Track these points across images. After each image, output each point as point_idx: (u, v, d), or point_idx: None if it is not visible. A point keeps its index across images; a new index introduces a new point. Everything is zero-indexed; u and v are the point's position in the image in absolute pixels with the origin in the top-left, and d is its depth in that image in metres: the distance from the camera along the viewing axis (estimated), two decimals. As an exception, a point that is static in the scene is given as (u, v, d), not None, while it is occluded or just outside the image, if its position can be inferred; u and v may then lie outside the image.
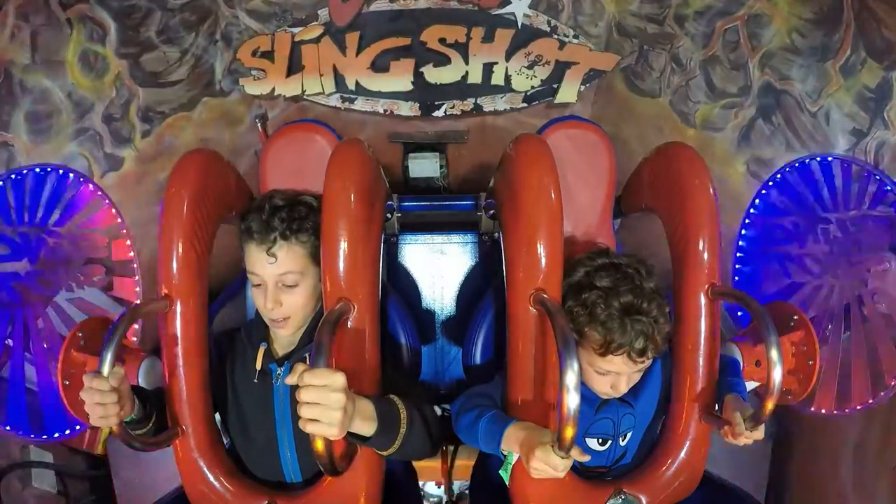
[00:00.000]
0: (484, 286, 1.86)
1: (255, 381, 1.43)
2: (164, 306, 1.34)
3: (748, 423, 1.24)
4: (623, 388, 1.32)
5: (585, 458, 1.09)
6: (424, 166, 2.32)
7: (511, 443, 1.19)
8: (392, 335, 1.63)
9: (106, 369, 1.14)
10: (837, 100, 2.03)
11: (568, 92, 2.20)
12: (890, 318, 1.78)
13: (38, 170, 1.87)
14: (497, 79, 2.20)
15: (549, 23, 2.16)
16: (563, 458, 1.06)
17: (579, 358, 1.32)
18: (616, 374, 1.30)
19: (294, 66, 2.17)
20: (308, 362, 1.05)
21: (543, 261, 1.25)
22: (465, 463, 2.15)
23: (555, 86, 2.20)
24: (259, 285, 1.37)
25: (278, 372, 1.42)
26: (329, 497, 1.38)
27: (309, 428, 0.99)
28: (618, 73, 2.22)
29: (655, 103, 2.21)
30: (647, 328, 1.24)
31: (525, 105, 2.23)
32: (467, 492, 1.94)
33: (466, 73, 2.19)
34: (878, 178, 1.89)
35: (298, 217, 1.37)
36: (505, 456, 1.22)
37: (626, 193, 1.81)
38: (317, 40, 2.16)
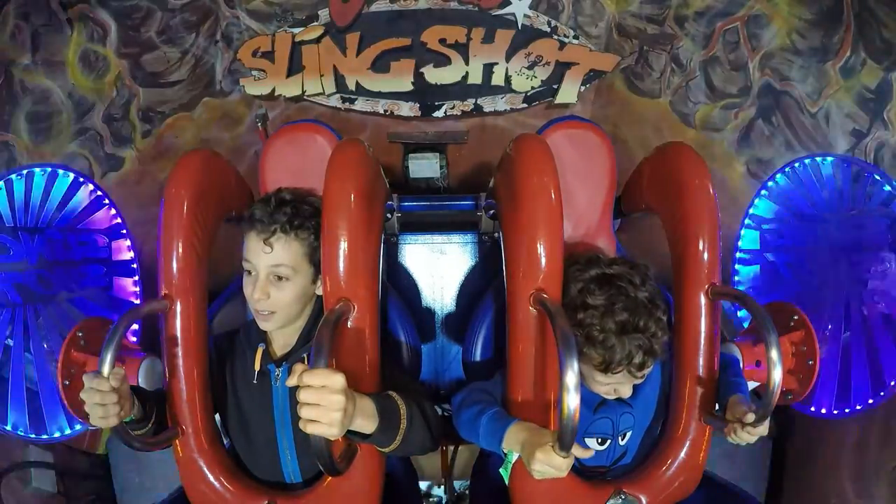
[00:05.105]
0: (484, 286, 1.86)
1: (255, 381, 1.43)
2: (164, 306, 1.34)
3: (751, 420, 1.24)
4: (626, 393, 1.33)
5: (588, 454, 1.09)
6: (424, 166, 2.32)
7: (512, 443, 1.19)
8: (392, 335, 1.63)
9: (106, 369, 1.15)
10: (837, 100, 2.03)
11: (568, 92, 2.20)
12: (890, 318, 1.78)
13: (38, 170, 1.87)
14: (497, 79, 2.20)
15: (549, 23, 2.16)
16: (564, 457, 1.06)
17: (583, 375, 1.32)
18: (618, 383, 1.31)
19: (294, 67, 2.18)
20: (307, 363, 1.05)
21: (543, 261, 1.25)
22: (465, 463, 2.16)
23: (555, 86, 2.20)
24: (251, 274, 1.37)
25: (276, 373, 1.42)
26: (329, 497, 1.38)
27: (309, 428, 1.00)
28: (618, 74, 2.23)
29: (655, 104, 2.21)
30: (644, 343, 1.23)
31: (525, 105, 2.23)
32: (467, 492, 1.94)
33: (467, 73, 2.19)
34: (878, 178, 1.89)
35: (302, 215, 1.37)
36: (505, 454, 1.22)
37: (626, 193, 1.81)
38: (317, 41, 2.16)
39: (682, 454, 1.43)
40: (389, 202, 1.88)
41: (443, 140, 2.32)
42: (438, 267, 2.27)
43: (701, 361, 1.40)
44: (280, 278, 1.35)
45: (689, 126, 2.18)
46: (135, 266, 1.91)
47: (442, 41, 2.16)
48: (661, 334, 1.26)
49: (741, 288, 2.02)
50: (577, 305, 1.28)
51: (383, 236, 1.51)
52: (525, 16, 2.15)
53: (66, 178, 1.88)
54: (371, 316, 1.29)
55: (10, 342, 1.79)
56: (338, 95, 2.22)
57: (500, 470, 1.26)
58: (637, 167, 1.71)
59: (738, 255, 2.04)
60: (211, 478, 1.39)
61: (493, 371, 1.51)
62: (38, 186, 1.86)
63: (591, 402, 1.39)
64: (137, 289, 1.90)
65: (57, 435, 1.80)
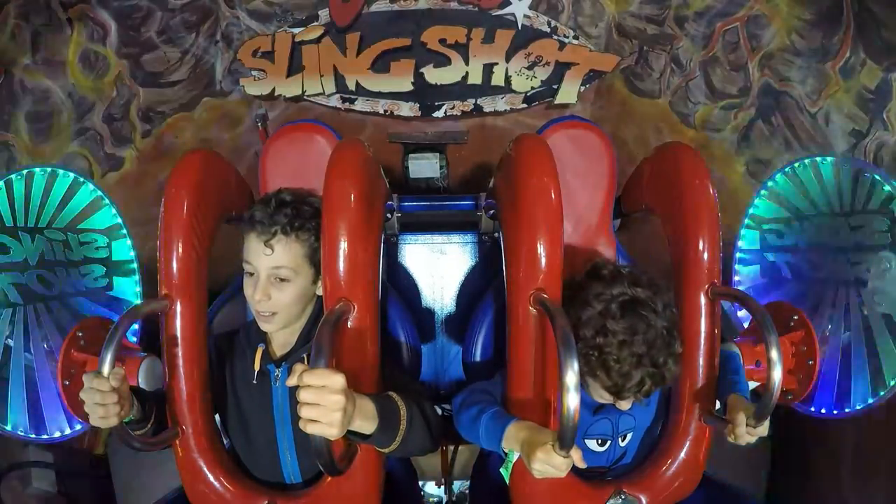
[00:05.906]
0: (484, 286, 1.86)
1: (254, 381, 1.43)
2: (164, 306, 1.34)
3: (751, 420, 1.24)
4: (626, 407, 1.33)
5: (582, 464, 1.09)
6: (424, 166, 2.32)
7: (512, 442, 1.19)
8: (392, 335, 1.63)
9: (106, 369, 1.15)
10: (837, 101, 2.03)
11: (568, 92, 2.20)
12: (890, 318, 1.78)
13: (38, 170, 1.87)
14: (497, 79, 2.21)
15: (549, 24, 2.16)
16: (564, 457, 1.06)
17: (587, 383, 1.32)
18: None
19: (294, 67, 2.18)
20: (307, 363, 1.05)
21: (543, 261, 1.25)
22: (465, 463, 2.16)
23: (555, 86, 2.21)
24: (252, 276, 1.36)
25: (276, 373, 1.42)
26: (329, 497, 1.38)
27: (309, 428, 0.99)
28: (618, 74, 2.23)
29: (655, 104, 2.22)
30: (656, 376, 1.23)
31: (525, 106, 2.23)
32: (467, 492, 1.94)
33: (467, 73, 2.20)
34: (878, 178, 1.89)
35: (303, 216, 1.36)
36: (506, 454, 1.22)
37: (626, 193, 1.81)
38: (317, 41, 2.16)
39: (682, 454, 1.43)
40: (389, 202, 1.89)
41: (443, 140, 2.32)
42: (438, 267, 2.27)
43: (701, 361, 1.40)
44: (281, 280, 1.35)
45: (689, 126, 2.18)
46: (135, 266, 1.91)
47: (442, 41, 2.17)
48: (674, 367, 1.26)
49: (741, 288, 2.02)
50: (596, 328, 1.25)
51: (383, 236, 1.51)
52: (525, 16, 2.16)
53: (66, 178, 1.88)
54: (371, 316, 1.29)
55: (10, 342, 1.79)
56: (338, 95, 2.22)
57: (501, 469, 1.26)
58: (637, 167, 1.71)
59: (738, 255, 2.04)
60: (211, 478, 1.39)
61: (493, 371, 1.51)
62: (38, 186, 1.86)
63: (591, 403, 1.39)
64: (137, 289, 1.90)
65: (57, 435, 1.80)
